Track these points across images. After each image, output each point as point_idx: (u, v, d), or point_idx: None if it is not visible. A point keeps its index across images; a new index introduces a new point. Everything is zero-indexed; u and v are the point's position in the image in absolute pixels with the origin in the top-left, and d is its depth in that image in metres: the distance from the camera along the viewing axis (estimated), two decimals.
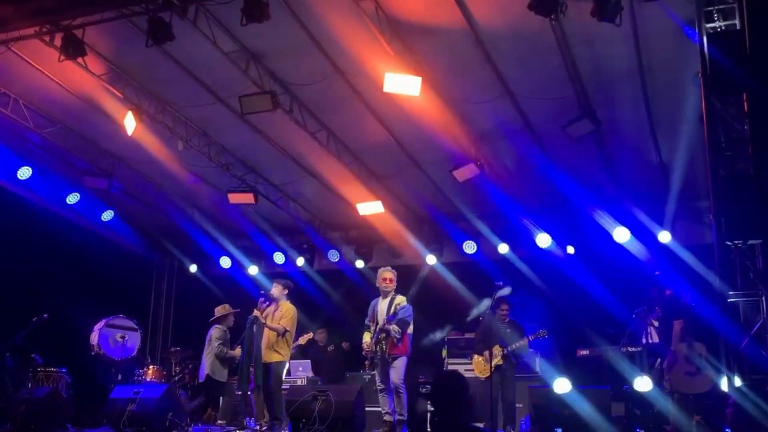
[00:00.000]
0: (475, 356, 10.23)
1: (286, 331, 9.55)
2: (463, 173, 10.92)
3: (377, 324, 9.06)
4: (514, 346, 9.89)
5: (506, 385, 9.79)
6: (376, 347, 8.98)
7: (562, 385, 8.06)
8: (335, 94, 10.04)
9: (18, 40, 8.96)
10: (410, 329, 9.10)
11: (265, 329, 9.52)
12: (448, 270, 13.91)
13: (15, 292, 11.94)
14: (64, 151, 11.57)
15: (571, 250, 12.93)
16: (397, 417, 8.84)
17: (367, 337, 9.17)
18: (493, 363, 9.60)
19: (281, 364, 9.59)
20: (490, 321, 9.89)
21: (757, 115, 6.97)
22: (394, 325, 8.88)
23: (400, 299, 9.11)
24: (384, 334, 8.92)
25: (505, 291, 9.84)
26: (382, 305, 9.18)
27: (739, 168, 6.98)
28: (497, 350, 9.70)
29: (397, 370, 8.89)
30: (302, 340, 10.66)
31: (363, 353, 9.29)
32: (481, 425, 10.29)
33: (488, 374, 9.60)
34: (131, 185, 12.88)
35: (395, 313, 8.93)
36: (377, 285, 9.32)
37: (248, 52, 9.31)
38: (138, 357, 12.29)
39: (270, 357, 9.47)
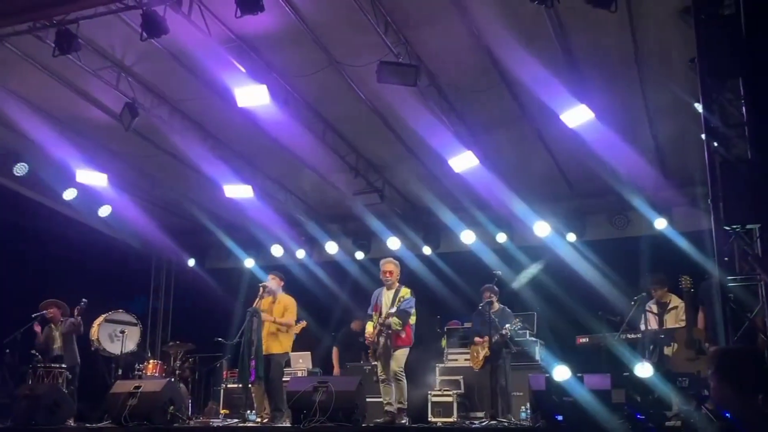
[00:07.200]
0: (471, 347, 10.27)
1: (291, 325, 9.66)
2: None
3: (380, 314, 9.10)
4: (501, 332, 9.81)
5: (499, 373, 9.78)
6: (378, 338, 9.02)
7: (561, 373, 8.06)
8: (330, 86, 10.01)
9: (11, 36, 8.93)
10: (412, 320, 9.12)
11: (266, 321, 9.55)
12: (443, 260, 13.88)
13: (14, 289, 11.92)
14: (60, 146, 11.51)
15: (571, 237, 12.93)
16: (397, 405, 8.90)
17: (369, 327, 9.23)
18: (482, 354, 9.73)
19: (283, 355, 9.65)
20: (482, 311, 9.93)
21: (753, 99, 6.95)
22: (395, 318, 8.91)
23: (405, 291, 9.12)
24: (387, 329, 8.96)
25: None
26: (386, 296, 9.20)
27: (736, 152, 6.98)
28: (485, 340, 9.72)
29: (398, 360, 8.97)
30: (296, 329, 10.66)
31: (366, 342, 9.36)
32: (480, 414, 10.35)
33: (480, 365, 9.70)
34: (128, 180, 12.84)
35: (398, 307, 8.97)
36: (381, 276, 9.35)
37: (243, 44, 9.28)
38: (138, 351, 12.28)
39: (271, 348, 9.49)
